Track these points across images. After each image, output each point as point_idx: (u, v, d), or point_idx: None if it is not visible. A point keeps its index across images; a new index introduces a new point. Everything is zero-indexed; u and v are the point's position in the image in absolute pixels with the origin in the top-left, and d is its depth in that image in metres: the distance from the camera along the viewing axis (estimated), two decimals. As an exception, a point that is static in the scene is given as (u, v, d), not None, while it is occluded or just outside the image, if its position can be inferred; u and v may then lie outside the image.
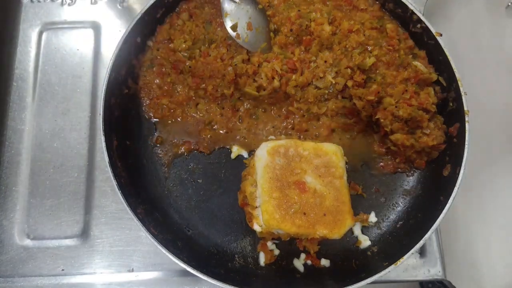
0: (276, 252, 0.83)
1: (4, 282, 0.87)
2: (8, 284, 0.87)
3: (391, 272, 0.74)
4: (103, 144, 0.79)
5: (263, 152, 0.81)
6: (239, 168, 0.88)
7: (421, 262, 0.90)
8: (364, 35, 0.84)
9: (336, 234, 0.77)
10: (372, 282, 0.73)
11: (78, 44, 1.04)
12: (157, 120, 0.90)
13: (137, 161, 0.88)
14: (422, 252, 0.91)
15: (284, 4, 0.89)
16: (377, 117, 0.82)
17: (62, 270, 0.88)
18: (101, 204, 0.93)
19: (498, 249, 0.95)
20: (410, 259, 0.89)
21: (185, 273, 0.86)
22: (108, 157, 0.78)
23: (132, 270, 0.89)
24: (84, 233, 0.91)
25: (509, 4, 0.88)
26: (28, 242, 0.90)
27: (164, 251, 0.73)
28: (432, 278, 0.89)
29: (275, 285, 0.81)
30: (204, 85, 0.88)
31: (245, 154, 0.90)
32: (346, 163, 0.84)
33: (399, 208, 0.87)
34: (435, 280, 0.90)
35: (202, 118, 0.90)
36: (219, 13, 0.87)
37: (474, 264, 0.95)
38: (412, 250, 0.74)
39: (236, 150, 0.89)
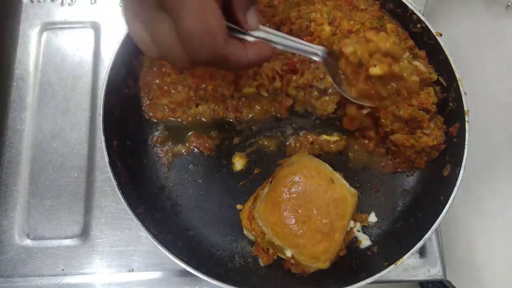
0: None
1: (4, 282, 0.87)
2: (8, 284, 0.87)
3: (391, 272, 0.74)
4: (103, 144, 0.79)
5: None
6: (239, 168, 0.89)
7: (421, 262, 0.90)
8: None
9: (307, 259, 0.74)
10: (372, 282, 0.73)
11: (78, 44, 1.04)
12: (157, 120, 0.90)
13: (137, 161, 0.88)
14: (422, 252, 0.91)
15: (284, 4, 0.89)
16: (377, 115, 0.82)
17: (62, 270, 0.88)
18: (101, 204, 0.93)
19: (498, 249, 0.96)
20: (410, 259, 0.89)
21: (185, 273, 0.86)
22: (108, 157, 0.78)
23: (132, 270, 0.89)
24: (84, 233, 0.91)
25: (509, 4, 0.88)
26: (28, 242, 0.90)
27: (164, 251, 0.73)
28: (432, 278, 0.89)
29: (275, 286, 0.81)
30: (204, 85, 0.88)
31: (245, 154, 0.90)
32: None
33: (399, 208, 0.87)
34: (435, 280, 0.89)
35: (202, 119, 0.90)
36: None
37: (474, 264, 0.95)
38: (412, 250, 0.74)
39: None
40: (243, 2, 0.56)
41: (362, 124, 0.87)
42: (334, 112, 0.88)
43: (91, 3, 1.07)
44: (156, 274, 0.89)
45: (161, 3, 0.48)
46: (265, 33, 0.62)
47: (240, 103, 0.90)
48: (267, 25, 0.86)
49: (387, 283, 0.92)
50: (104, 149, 0.78)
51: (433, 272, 0.90)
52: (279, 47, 0.64)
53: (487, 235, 0.97)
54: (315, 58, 0.70)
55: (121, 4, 0.56)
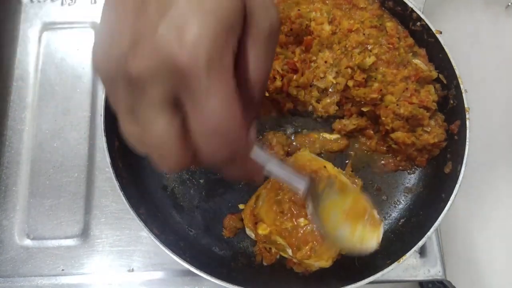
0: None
1: (4, 282, 0.86)
2: (8, 284, 0.87)
3: (391, 272, 0.73)
4: (105, 145, 0.78)
5: None
6: (240, 168, 0.88)
7: (421, 262, 0.90)
8: (364, 34, 0.85)
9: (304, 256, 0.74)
10: (372, 282, 0.72)
11: (78, 44, 1.04)
12: (158, 120, 0.90)
13: (138, 161, 0.87)
14: (422, 252, 0.91)
15: (284, 4, 0.89)
16: (378, 113, 0.83)
17: (62, 270, 0.88)
18: (101, 204, 0.92)
19: (498, 249, 0.96)
20: (410, 259, 0.89)
21: (186, 273, 0.86)
22: (110, 158, 0.78)
23: (132, 270, 0.88)
24: (84, 233, 0.90)
25: (509, 4, 0.89)
26: (28, 242, 0.89)
27: (167, 251, 0.73)
28: (432, 278, 0.89)
29: (278, 285, 0.81)
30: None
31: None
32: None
33: (400, 206, 0.87)
34: (435, 280, 0.89)
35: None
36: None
37: (474, 264, 0.95)
38: (415, 248, 0.74)
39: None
40: (249, 115, 0.44)
41: (358, 127, 0.88)
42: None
43: (91, 3, 1.07)
44: (156, 274, 0.89)
45: (177, 98, 0.38)
46: (260, 154, 0.48)
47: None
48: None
49: (387, 283, 0.92)
50: (106, 150, 0.78)
51: (433, 272, 0.90)
52: (266, 172, 0.51)
53: (488, 235, 0.97)
54: (299, 190, 0.58)
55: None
